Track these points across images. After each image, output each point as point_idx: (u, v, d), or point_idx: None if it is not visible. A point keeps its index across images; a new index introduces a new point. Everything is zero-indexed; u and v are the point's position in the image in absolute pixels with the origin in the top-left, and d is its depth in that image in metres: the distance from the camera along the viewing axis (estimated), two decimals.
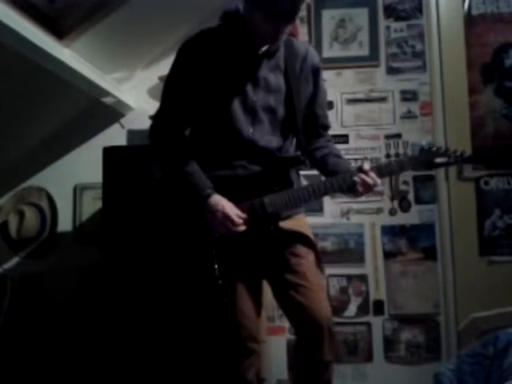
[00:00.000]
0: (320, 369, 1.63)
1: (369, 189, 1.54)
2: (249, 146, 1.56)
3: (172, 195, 1.60)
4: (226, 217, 1.47)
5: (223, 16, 1.59)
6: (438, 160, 1.62)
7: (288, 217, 1.62)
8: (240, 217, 1.50)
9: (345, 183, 1.55)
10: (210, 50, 1.54)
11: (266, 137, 1.58)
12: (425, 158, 1.61)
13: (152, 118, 1.67)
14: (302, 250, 1.63)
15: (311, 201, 1.58)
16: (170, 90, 1.61)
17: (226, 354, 1.63)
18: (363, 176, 1.53)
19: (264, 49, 1.53)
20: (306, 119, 1.66)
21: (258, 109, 1.55)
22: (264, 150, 1.57)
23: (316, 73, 1.66)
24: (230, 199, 1.52)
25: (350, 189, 1.55)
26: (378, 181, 1.54)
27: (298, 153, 1.68)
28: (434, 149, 1.62)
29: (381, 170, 1.57)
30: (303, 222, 1.71)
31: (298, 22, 1.66)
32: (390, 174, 1.65)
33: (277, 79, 1.58)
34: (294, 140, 1.69)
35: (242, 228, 1.50)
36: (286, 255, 1.61)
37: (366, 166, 1.54)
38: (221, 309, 1.61)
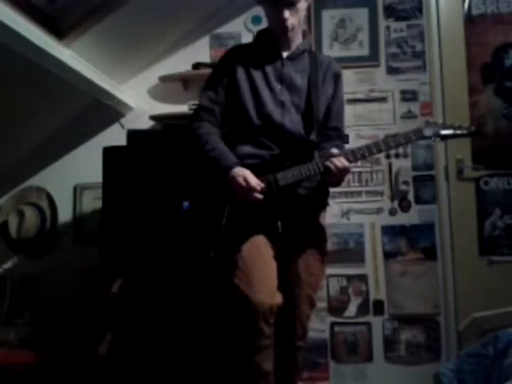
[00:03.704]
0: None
1: (338, 172, 1.64)
2: (279, 130, 1.74)
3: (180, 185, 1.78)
4: (247, 182, 1.63)
5: (256, 33, 1.91)
6: (444, 132, 1.69)
7: (305, 209, 1.77)
8: (259, 185, 1.64)
9: (318, 167, 1.67)
10: (244, 57, 1.82)
11: (296, 124, 1.77)
12: (431, 129, 1.69)
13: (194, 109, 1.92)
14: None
15: (312, 175, 1.69)
16: (209, 85, 1.84)
17: (239, 327, 1.66)
18: (333, 160, 1.63)
19: (287, 54, 1.80)
20: (324, 117, 1.83)
21: (286, 102, 1.77)
22: (292, 134, 1.75)
23: (337, 78, 1.88)
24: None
25: (325, 173, 1.67)
26: (345, 164, 1.63)
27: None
28: (440, 122, 1.73)
29: (388, 143, 1.67)
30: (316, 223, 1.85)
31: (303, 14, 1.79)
32: (399, 146, 1.70)
33: (302, 80, 1.80)
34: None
35: (260, 197, 1.63)
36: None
37: (334, 150, 1.66)
38: (233, 283, 1.63)
